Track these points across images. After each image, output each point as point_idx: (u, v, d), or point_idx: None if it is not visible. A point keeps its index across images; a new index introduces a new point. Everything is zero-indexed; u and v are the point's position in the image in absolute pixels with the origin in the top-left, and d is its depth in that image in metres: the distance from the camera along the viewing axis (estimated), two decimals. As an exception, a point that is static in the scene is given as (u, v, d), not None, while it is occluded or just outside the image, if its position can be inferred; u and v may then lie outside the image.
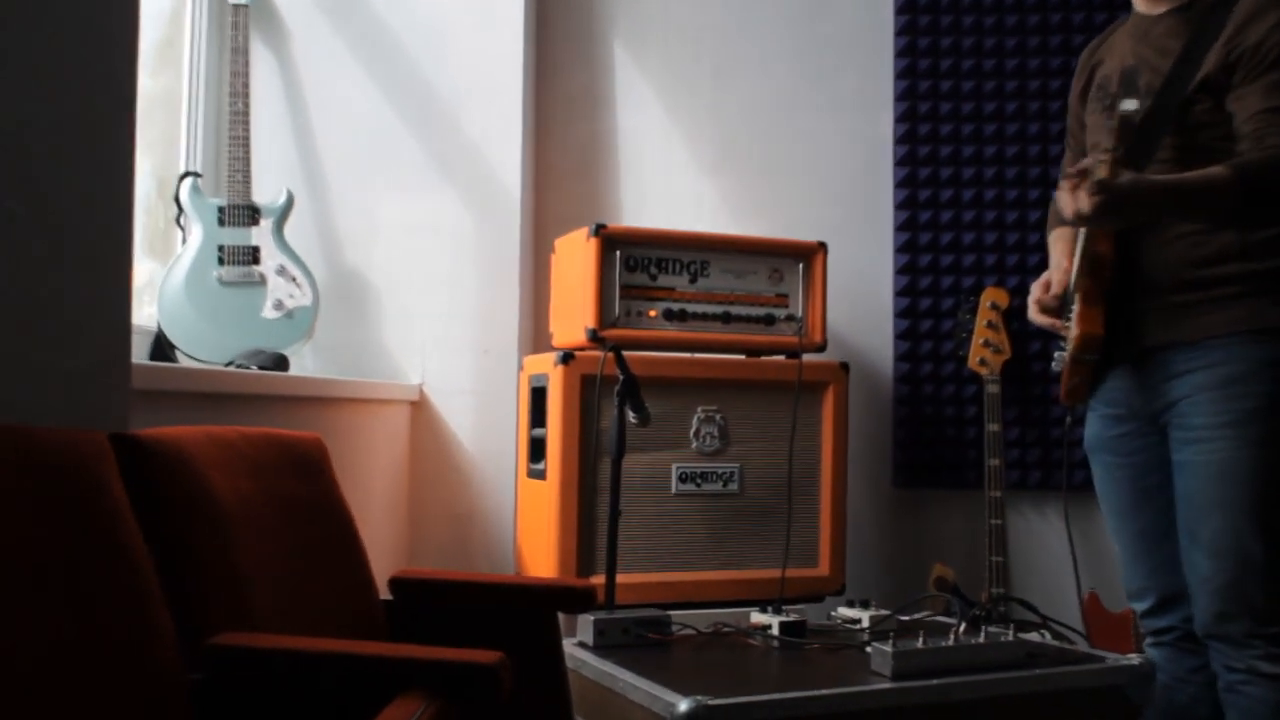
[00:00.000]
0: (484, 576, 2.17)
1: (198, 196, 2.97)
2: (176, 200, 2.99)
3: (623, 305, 2.98)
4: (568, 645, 2.38)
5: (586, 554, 2.87)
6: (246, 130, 3.03)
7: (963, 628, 2.32)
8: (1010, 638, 2.32)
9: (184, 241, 3.03)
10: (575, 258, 3.05)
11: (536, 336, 3.48)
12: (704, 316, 3.05)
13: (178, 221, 3.03)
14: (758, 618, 2.61)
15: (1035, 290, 2.47)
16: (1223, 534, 2.19)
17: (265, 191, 3.08)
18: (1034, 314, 2.46)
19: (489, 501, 3.32)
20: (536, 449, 3.03)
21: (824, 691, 2.06)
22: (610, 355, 2.67)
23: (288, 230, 3.06)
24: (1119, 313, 2.33)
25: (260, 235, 3.00)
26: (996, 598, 3.20)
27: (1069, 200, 2.12)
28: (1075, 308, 2.35)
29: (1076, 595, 3.29)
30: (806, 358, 3.09)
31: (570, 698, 2.13)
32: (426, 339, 3.34)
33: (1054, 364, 2.45)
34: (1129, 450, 2.38)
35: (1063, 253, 2.49)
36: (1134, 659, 2.32)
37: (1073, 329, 2.35)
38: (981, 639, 2.29)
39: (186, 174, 2.99)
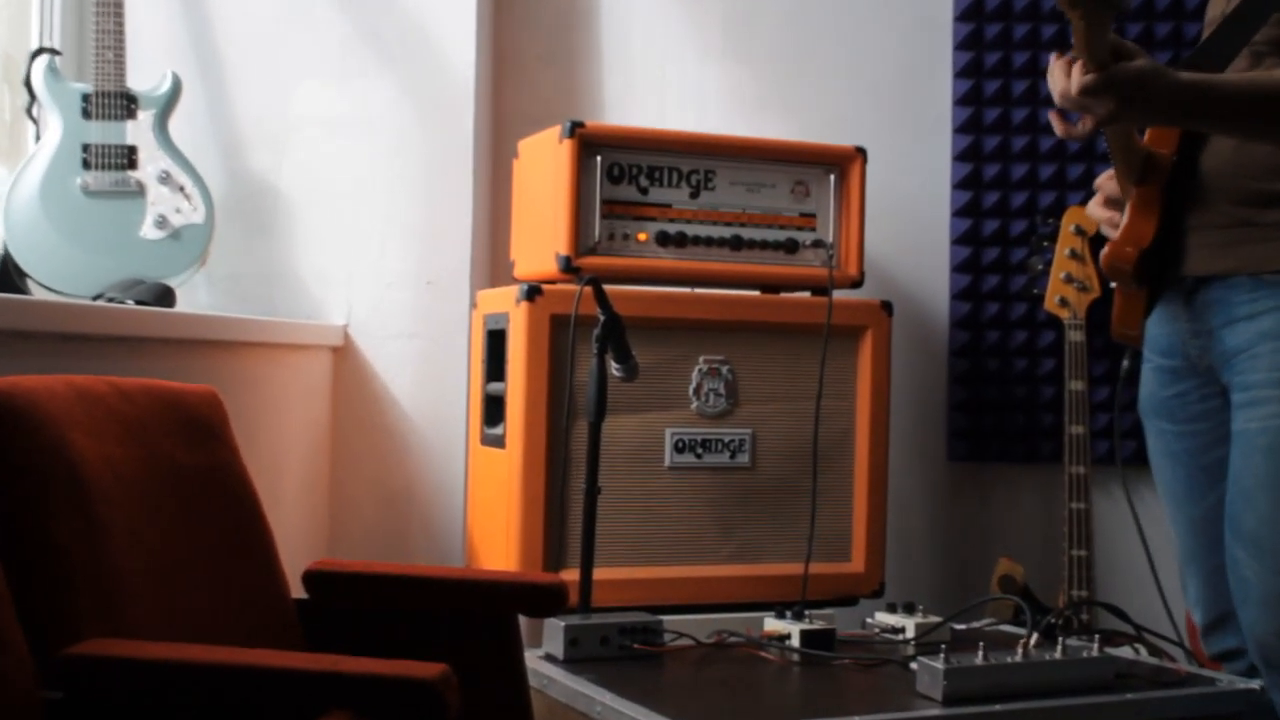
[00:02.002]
0: (425, 569, 2.18)
1: (56, 80, 2.93)
2: (28, 85, 2.94)
3: (604, 226, 2.96)
4: (531, 657, 2.39)
5: (556, 543, 2.87)
6: (120, -5, 2.99)
7: (1034, 640, 2.32)
8: (1094, 653, 2.33)
9: (38, 138, 2.99)
10: (544, 165, 3.02)
11: (494, 266, 3.46)
12: (708, 241, 3.04)
13: (29, 112, 3.00)
14: (773, 625, 2.62)
15: (1102, 175, 2.42)
16: (1271, 524, 2.15)
17: (144, 75, 3.04)
18: (1094, 206, 2.41)
19: (432, 475, 3.32)
20: (493, 409, 3.02)
21: (856, 719, 2.06)
22: (588, 290, 2.66)
23: (173, 125, 3.02)
24: (1169, 230, 2.29)
25: (138, 131, 2.97)
26: (1077, 602, 3.22)
27: (1059, 76, 2.08)
28: (1124, 217, 2.32)
29: (1161, 599, 3.30)
30: (839, 295, 3.08)
31: (534, 724, 2.14)
32: (353, 268, 3.32)
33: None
34: (1188, 415, 2.36)
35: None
36: (1253, 683, 2.32)
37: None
38: (1057, 654, 2.29)
39: (40, 50, 2.95)
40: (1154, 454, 2.44)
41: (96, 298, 2.81)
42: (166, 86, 3.02)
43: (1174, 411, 2.37)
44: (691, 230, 3.02)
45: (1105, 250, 2.34)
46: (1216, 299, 2.24)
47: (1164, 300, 2.36)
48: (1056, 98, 2.10)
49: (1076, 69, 2.04)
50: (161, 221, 2.97)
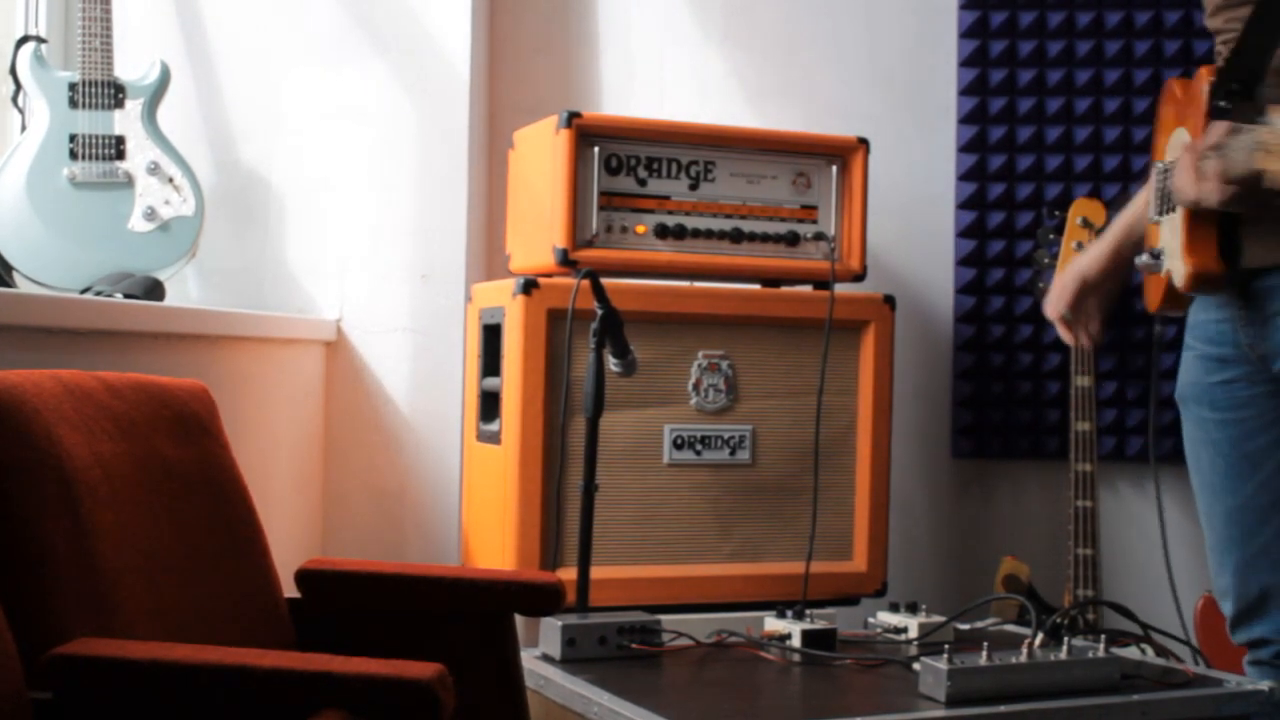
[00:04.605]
0: (419, 568, 2.17)
1: (42, 69, 2.93)
2: (13, 73, 2.95)
3: (602, 218, 2.96)
4: (528, 658, 2.39)
5: (552, 541, 2.87)
6: (107, -18, 2.99)
7: (1039, 640, 2.33)
8: (1100, 653, 2.33)
9: (24, 128, 2.99)
10: (541, 156, 3.02)
11: (489, 259, 3.46)
12: (708, 234, 3.04)
13: (15, 101, 3.00)
14: (774, 625, 2.62)
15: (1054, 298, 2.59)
16: None
17: (132, 64, 3.04)
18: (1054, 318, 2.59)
19: (426, 472, 3.32)
20: (489, 405, 3.02)
21: None
22: (585, 283, 2.66)
23: (162, 115, 3.02)
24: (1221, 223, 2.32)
25: (126, 121, 2.97)
26: (1083, 601, 3.22)
27: (1189, 181, 2.16)
28: (1179, 225, 2.35)
29: (1174, 598, 3.30)
30: (841, 289, 3.08)
31: (530, 725, 2.14)
32: (346, 261, 3.32)
33: (1139, 260, 2.47)
34: (1233, 403, 2.38)
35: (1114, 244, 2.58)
36: (1262, 683, 2.33)
37: (1175, 258, 2.35)
38: (1063, 654, 2.30)
39: (26, 38, 2.95)
40: (1191, 442, 2.47)
41: (84, 291, 2.81)
42: (155, 75, 3.02)
43: (1217, 399, 2.40)
44: (691, 223, 3.02)
45: (1183, 271, 2.34)
46: (1274, 286, 2.28)
47: None
48: (1185, 201, 2.24)
49: (1207, 178, 2.18)
50: (150, 213, 2.97)
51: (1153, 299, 2.54)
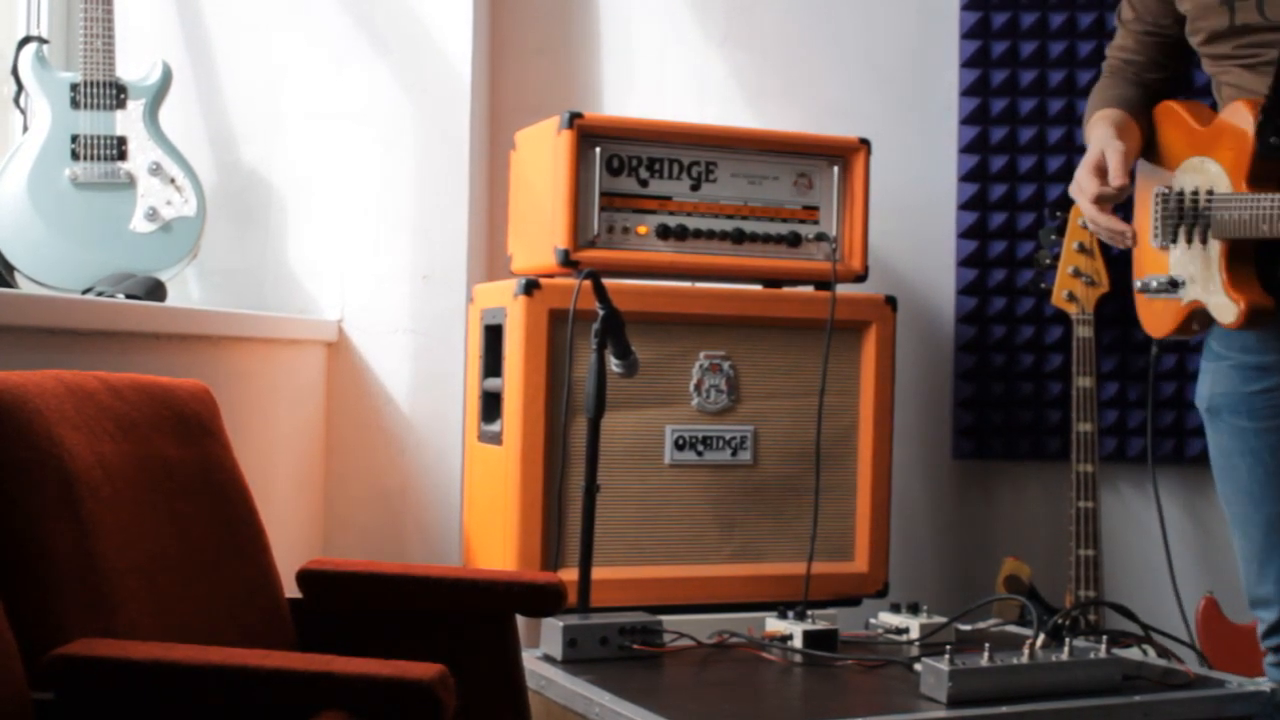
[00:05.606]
0: (420, 568, 2.18)
1: (44, 69, 2.93)
2: (15, 74, 2.95)
3: (603, 219, 2.96)
4: (529, 658, 2.39)
5: (554, 541, 2.87)
6: (109, -17, 2.99)
7: (1040, 641, 2.33)
8: (1102, 654, 2.33)
9: (26, 129, 2.99)
10: (542, 157, 3.02)
11: (491, 259, 3.46)
12: (709, 235, 3.04)
13: (16, 102, 3.00)
14: (775, 625, 2.63)
15: (1088, 178, 2.44)
16: None
17: (134, 64, 3.04)
18: (1094, 213, 2.44)
19: (428, 473, 3.32)
20: (490, 405, 3.02)
21: (860, 720, 2.07)
22: (587, 284, 2.66)
23: (164, 116, 3.02)
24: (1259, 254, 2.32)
25: (128, 122, 2.97)
26: (1085, 602, 3.22)
27: None
28: (1215, 260, 2.33)
29: (1176, 600, 3.30)
30: (842, 289, 3.08)
31: (532, 726, 2.14)
32: (347, 262, 3.32)
33: (1142, 285, 2.46)
34: (1271, 412, 2.38)
35: (1112, 131, 2.49)
36: (1264, 684, 2.33)
37: (1214, 294, 2.34)
38: (1064, 655, 2.30)
39: (28, 39, 2.95)
40: (1226, 452, 2.45)
41: (86, 291, 2.81)
42: (157, 76, 3.02)
43: (1257, 407, 2.39)
44: (692, 223, 3.02)
45: (1234, 319, 2.32)
46: None
47: None
48: None
49: None
50: (152, 214, 2.97)
51: (1161, 326, 2.51)
